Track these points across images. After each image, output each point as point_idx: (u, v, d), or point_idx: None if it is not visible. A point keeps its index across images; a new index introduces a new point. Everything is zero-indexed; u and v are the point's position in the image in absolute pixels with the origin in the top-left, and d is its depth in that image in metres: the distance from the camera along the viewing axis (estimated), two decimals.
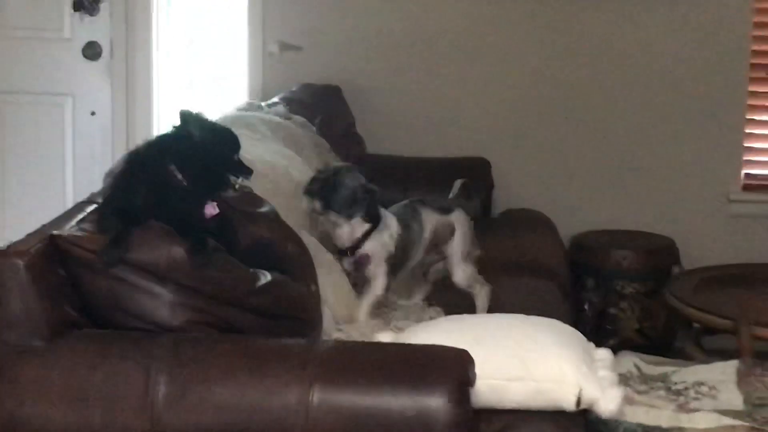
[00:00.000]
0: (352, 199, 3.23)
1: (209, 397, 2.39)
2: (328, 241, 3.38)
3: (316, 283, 2.95)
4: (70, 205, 5.14)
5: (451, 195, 3.82)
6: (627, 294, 4.66)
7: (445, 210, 3.52)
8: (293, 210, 3.32)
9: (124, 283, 2.55)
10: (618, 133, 5.09)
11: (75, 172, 5.25)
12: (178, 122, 2.69)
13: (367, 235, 3.27)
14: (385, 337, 2.87)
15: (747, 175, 5.09)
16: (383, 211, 3.34)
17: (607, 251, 4.72)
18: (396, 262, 3.34)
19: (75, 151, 5.26)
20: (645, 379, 3.12)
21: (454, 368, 2.41)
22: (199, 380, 2.41)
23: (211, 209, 2.65)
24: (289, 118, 4.39)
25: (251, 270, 2.67)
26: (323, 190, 3.25)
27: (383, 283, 3.29)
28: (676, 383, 3.05)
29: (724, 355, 3.81)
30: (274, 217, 3.11)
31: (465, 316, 2.89)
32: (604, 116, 5.09)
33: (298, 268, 2.90)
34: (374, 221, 3.26)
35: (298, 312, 2.75)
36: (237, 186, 2.79)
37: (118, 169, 2.73)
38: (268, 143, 3.89)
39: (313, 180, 3.31)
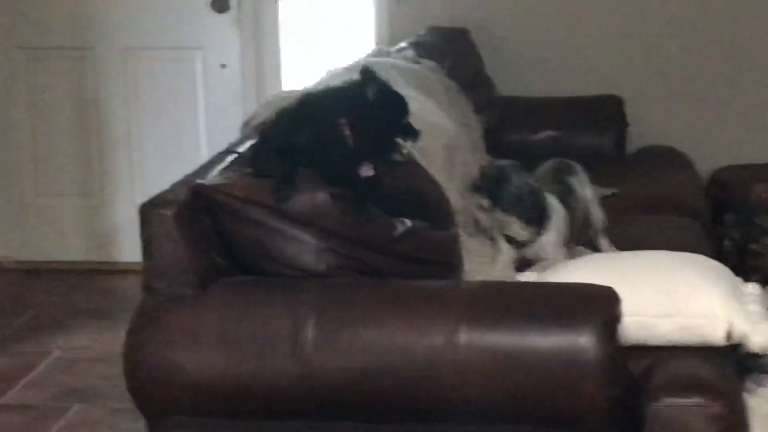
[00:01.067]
0: (517, 197, 3.13)
1: (357, 340, 2.42)
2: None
3: (455, 227, 2.94)
4: (204, 157, 5.25)
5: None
6: None
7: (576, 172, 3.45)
8: (431, 154, 3.31)
9: (269, 230, 2.58)
10: (754, 63, 4.96)
11: (208, 124, 5.31)
12: (356, 77, 2.69)
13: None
14: (527, 277, 2.86)
15: None
16: (549, 200, 3.23)
17: (747, 186, 4.61)
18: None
19: (207, 104, 5.32)
20: None
21: (601, 306, 2.40)
22: (346, 323, 2.44)
23: (368, 170, 2.64)
24: (418, 63, 4.36)
25: (392, 219, 2.68)
26: (491, 186, 3.16)
27: None
28: None
29: None
30: (412, 163, 3.11)
31: (608, 253, 2.86)
32: (740, 45, 4.96)
33: (437, 213, 2.89)
34: (539, 221, 3.18)
35: (439, 256, 2.74)
36: (405, 151, 2.80)
37: (286, 107, 2.72)
38: (400, 88, 3.88)
39: (482, 176, 3.23)
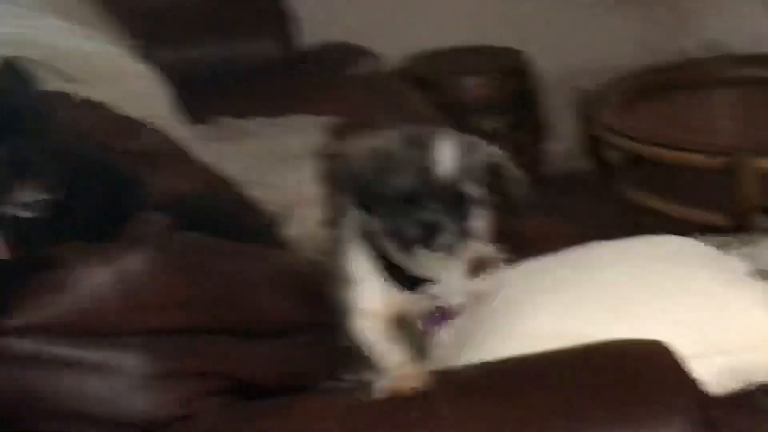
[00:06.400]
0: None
1: None
2: None
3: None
4: None
5: None
6: (491, 132, 3.64)
7: None
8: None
9: (47, 366, 1.37)
10: None
11: None
12: None
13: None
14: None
15: None
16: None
17: (456, 81, 3.68)
18: None
19: None
20: None
21: (672, 375, 1.45)
22: None
23: None
24: None
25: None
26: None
27: None
28: None
29: None
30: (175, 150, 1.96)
31: (541, 267, 1.80)
32: None
33: (267, 233, 1.76)
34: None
35: (319, 308, 1.60)
36: None
37: None
38: (47, 20, 2.65)
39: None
